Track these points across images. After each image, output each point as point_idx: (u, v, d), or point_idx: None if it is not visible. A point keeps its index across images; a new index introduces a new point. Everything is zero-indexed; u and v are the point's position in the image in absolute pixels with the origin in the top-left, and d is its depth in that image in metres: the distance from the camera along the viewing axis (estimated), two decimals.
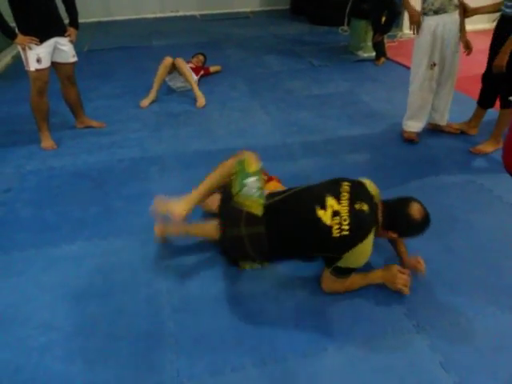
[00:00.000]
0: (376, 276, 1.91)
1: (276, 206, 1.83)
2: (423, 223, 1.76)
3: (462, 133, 3.26)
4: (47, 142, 3.24)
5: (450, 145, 3.16)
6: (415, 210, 1.74)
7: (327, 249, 1.79)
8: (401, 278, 1.86)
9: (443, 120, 3.23)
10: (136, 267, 2.09)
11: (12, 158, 3.12)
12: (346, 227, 1.70)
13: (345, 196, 1.76)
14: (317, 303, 1.87)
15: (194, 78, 4.34)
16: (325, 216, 1.73)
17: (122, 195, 2.65)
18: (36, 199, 2.64)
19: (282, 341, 1.71)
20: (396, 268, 1.90)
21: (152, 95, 4.01)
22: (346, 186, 1.80)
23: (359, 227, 1.72)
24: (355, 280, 1.89)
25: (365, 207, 1.74)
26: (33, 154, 3.17)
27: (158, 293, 1.94)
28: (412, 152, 3.11)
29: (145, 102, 3.95)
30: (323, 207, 1.74)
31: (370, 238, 1.74)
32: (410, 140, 3.18)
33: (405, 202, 1.79)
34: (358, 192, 1.81)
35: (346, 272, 1.81)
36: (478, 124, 3.22)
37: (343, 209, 1.73)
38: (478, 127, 3.23)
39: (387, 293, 1.91)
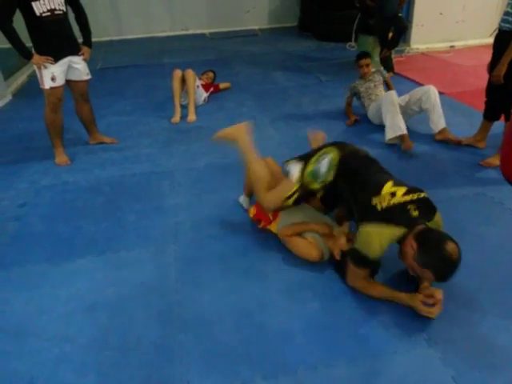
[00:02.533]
0: (400, 297, 1.87)
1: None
2: (455, 263, 1.66)
3: (471, 146, 3.27)
4: (61, 157, 3.32)
5: (460, 158, 3.17)
6: (451, 249, 1.65)
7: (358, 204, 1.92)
8: (423, 310, 1.81)
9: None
10: (147, 280, 2.12)
11: (27, 173, 3.20)
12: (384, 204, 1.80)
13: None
14: (328, 316, 1.88)
15: (205, 94, 4.43)
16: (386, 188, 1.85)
17: (134, 209, 2.70)
18: (50, 214, 2.70)
19: (293, 353, 1.71)
20: (418, 299, 1.83)
21: (178, 110, 4.10)
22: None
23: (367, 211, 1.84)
24: (378, 287, 1.93)
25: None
26: (47, 169, 3.24)
27: (168, 306, 1.96)
28: (421, 165, 3.12)
29: (176, 119, 4.04)
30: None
31: (374, 229, 1.78)
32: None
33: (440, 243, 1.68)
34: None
35: (360, 261, 1.85)
36: (485, 137, 3.23)
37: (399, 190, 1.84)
38: (485, 140, 3.24)
39: (399, 306, 1.90)
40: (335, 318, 1.86)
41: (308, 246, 2.12)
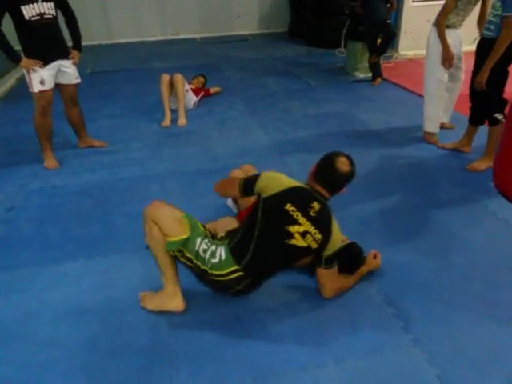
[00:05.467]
0: (362, 271, 2.11)
1: (252, 260, 1.80)
2: (353, 168, 1.90)
3: (457, 151, 3.34)
4: (50, 161, 3.31)
5: (446, 162, 3.22)
6: (342, 164, 1.87)
7: (312, 255, 1.94)
8: (374, 264, 2.13)
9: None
10: (136, 284, 2.11)
11: (15, 177, 3.18)
12: (319, 236, 1.82)
13: (298, 215, 1.80)
14: (316, 318, 1.90)
15: (194, 98, 4.45)
16: (298, 242, 1.81)
17: (123, 213, 2.70)
18: (39, 217, 2.68)
19: (282, 355, 1.72)
20: (370, 257, 2.14)
21: (167, 114, 4.10)
22: (290, 208, 1.80)
23: (325, 224, 1.84)
24: (350, 281, 2.06)
25: (316, 206, 1.82)
26: (36, 173, 3.22)
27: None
28: (408, 170, 3.17)
29: (166, 122, 4.04)
30: (291, 237, 1.80)
31: (333, 218, 1.87)
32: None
33: (328, 163, 1.90)
34: (300, 200, 1.83)
35: (336, 258, 1.92)
36: (470, 141, 3.29)
37: (307, 226, 1.80)
38: (471, 145, 3.30)
39: (385, 307, 1.93)
40: (323, 320, 1.88)
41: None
